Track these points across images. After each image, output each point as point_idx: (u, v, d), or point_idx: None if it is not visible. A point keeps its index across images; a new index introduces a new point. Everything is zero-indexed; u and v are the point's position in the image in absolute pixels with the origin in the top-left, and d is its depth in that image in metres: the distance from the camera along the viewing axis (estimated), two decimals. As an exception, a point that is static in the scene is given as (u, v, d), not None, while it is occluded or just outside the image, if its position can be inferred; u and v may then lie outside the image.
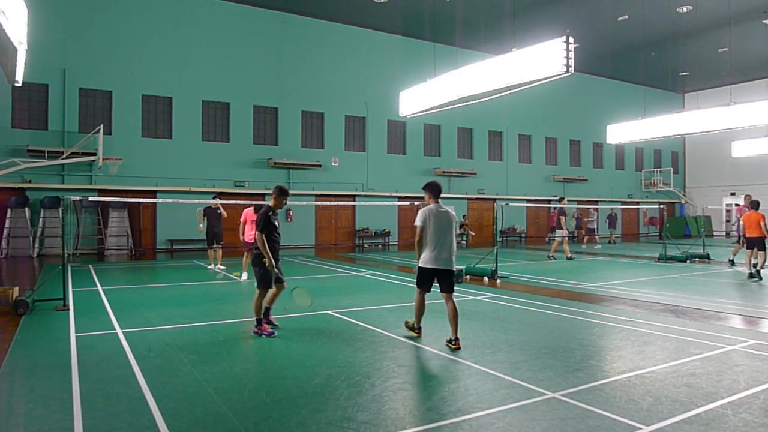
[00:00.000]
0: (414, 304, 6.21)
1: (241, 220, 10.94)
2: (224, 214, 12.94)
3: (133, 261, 16.22)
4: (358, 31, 23.08)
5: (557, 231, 16.37)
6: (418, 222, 5.95)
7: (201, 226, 12.84)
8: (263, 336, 6.20)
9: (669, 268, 13.73)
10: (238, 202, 14.18)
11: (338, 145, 22.65)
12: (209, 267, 13.24)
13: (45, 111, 17.57)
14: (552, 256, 16.21)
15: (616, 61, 28.35)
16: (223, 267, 12.98)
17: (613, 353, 5.63)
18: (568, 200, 17.57)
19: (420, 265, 5.93)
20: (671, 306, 8.22)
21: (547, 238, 23.98)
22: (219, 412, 3.86)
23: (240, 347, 5.94)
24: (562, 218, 16.12)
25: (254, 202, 11.75)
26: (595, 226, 23.36)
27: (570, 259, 16.04)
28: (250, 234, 10.51)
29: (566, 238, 16.36)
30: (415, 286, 6.07)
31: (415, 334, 6.15)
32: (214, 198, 13.46)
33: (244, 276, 11.42)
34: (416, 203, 13.43)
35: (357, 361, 5.22)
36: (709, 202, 31.40)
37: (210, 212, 12.78)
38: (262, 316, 6.42)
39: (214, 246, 12.95)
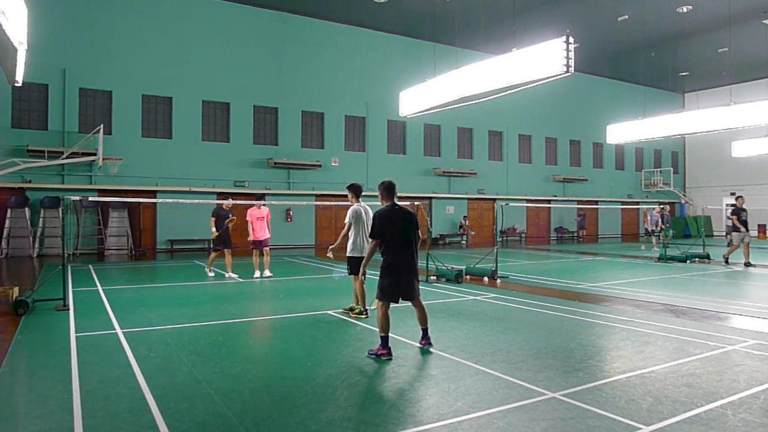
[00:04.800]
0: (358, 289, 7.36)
1: (247, 219, 11.80)
2: (234, 220, 12.01)
3: (133, 261, 16.22)
4: (358, 31, 23.07)
5: (734, 233, 14.59)
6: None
7: (214, 229, 11.72)
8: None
9: (669, 268, 13.73)
10: (239, 202, 14.16)
11: (338, 145, 22.66)
12: (227, 275, 11.74)
13: (45, 111, 17.57)
14: (748, 261, 14.12)
15: (616, 61, 28.35)
16: (235, 275, 11.77)
17: (613, 353, 5.63)
18: (580, 200, 16.48)
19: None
20: (671, 306, 8.22)
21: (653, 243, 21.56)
22: (219, 412, 3.86)
23: (240, 347, 5.94)
24: (734, 218, 14.52)
25: (254, 202, 12.13)
26: (653, 227, 21.82)
27: (747, 263, 14.18)
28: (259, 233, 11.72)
29: (747, 240, 14.32)
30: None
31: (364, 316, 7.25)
32: (226, 199, 12.31)
33: (258, 274, 11.87)
34: (416, 203, 13.43)
35: (357, 361, 5.22)
36: (709, 202, 31.38)
37: (222, 213, 11.79)
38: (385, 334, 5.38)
39: (218, 249, 11.97)
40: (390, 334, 5.32)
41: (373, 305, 6.05)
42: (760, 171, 29.88)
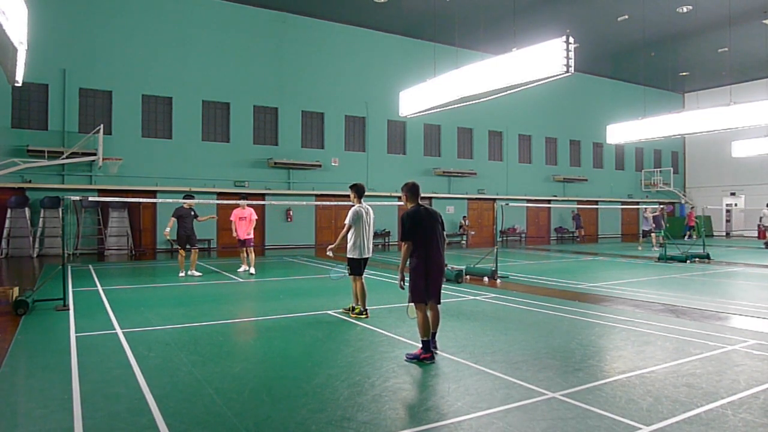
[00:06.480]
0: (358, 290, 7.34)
1: (231, 218, 12.74)
2: (199, 218, 12.19)
3: (133, 261, 16.22)
4: (358, 31, 23.07)
5: None
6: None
7: (168, 230, 11.69)
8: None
9: (669, 268, 13.73)
10: (239, 202, 14.15)
11: (338, 145, 22.65)
12: (180, 274, 11.86)
13: (45, 111, 17.56)
14: None
15: (616, 61, 28.34)
16: (199, 273, 12.02)
17: (613, 353, 5.63)
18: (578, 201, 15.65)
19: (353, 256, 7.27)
20: (671, 306, 8.21)
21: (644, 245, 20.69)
22: (219, 412, 3.86)
23: (240, 347, 5.94)
24: None
25: (254, 202, 12.41)
26: (650, 227, 21.14)
27: None
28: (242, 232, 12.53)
29: None
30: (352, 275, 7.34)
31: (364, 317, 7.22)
32: (185, 197, 12.43)
33: (243, 268, 12.74)
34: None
35: (357, 361, 5.22)
36: (709, 202, 31.38)
37: (183, 212, 11.84)
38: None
39: (188, 248, 11.99)
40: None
41: (411, 314, 5.41)
42: (760, 171, 29.88)
